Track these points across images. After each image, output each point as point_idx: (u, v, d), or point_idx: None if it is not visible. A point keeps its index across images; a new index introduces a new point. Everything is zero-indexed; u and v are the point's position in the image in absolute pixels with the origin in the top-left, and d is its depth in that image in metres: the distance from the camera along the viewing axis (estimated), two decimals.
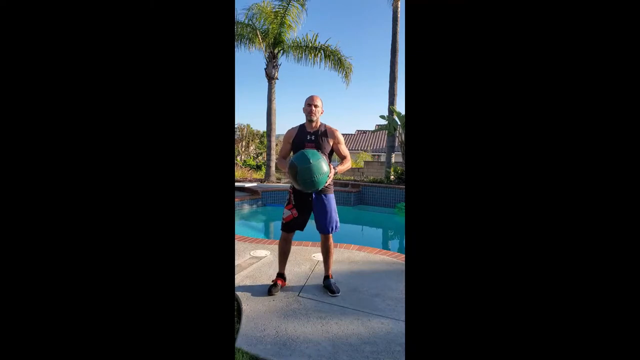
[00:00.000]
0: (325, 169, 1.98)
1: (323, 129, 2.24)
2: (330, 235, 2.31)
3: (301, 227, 2.31)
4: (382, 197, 7.40)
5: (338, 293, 2.27)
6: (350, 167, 2.26)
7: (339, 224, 2.32)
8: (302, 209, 2.26)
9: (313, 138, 2.20)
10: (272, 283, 2.34)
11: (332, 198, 2.29)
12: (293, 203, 2.27)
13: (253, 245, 3.35)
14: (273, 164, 10.37)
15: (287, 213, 2.29)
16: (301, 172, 1.93)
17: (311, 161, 1.93)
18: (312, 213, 2.30)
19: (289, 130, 2.31)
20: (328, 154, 2.23)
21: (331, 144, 2.24)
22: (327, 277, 2.38)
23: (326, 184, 2.07)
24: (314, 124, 2.24)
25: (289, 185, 2.36)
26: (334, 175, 2.10)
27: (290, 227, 2.30)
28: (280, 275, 2.39)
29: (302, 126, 2.27)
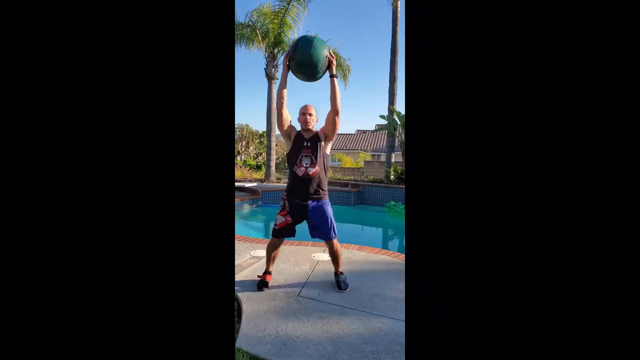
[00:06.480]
0: (325, 51, 2.07)
1: (316, 135, 2.28)
2: (335, 240, 2.31)
3: (293, 234, 2.33)
4: (382, 197, 7.39)
5: (345, 290, 2.28)
6: (339, 97, 2.21)
7: (336, 227, 2.34)
8: (296, 216, 2.26)
9: (309, 144, 2.25)
10: (259, 279, 2.35)
11: (328, 204, 2.30)
12: (287, 209, 2.26)
13: (253, 245, 3.35)
14: (273, 164, 10.37)
15: (280, 219, 2.28)
16: (301, 46, 2.02)
17: (310, 44, 2.04)
18: (304, 220, 2.30)
19: (292, 125, 2.35)
20: (324, 155, 2.26)
21: (323, 137, 2.27)
22: (336, 273, 2.39)
23: (326, 63, 2.11)
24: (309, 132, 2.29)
25: (284, 188, 2.37)
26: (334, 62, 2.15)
27: (282, 234, 2.31)
28: (269, 273, 2.39)
29: (299, 132, 2.32)
